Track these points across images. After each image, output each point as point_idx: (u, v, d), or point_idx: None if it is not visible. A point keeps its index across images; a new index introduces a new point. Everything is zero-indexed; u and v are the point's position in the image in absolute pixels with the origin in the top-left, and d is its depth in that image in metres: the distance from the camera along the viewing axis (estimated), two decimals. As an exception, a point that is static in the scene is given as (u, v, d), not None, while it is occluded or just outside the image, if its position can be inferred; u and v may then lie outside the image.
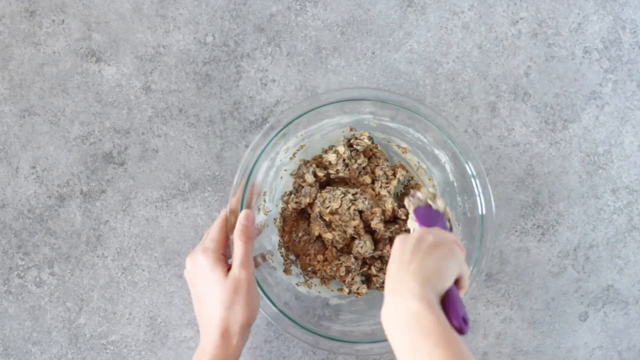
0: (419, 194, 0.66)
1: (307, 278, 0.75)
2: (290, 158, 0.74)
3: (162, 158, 0.77)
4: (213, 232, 0.64)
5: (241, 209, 0.65)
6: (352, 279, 0.73)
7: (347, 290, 0.74)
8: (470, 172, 0.69)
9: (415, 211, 0.65)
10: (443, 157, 0.71)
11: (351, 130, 0.74)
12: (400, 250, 0.56)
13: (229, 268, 0.62)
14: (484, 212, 0.68)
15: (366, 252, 0.73)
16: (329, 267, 0.73)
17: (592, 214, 0.79)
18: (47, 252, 0.76)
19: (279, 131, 0.66)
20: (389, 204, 0.73)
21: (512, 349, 0.79)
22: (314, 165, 0.74)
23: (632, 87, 0.79)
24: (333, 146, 0.75)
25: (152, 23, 0.77)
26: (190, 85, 0.77)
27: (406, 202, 0.66)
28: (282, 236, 0.75)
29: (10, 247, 0.76)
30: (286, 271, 0.75)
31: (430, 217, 0.64)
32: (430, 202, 0.65)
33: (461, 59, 0.78)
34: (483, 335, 0.79)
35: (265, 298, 0.66)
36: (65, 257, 0.77)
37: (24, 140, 0.76)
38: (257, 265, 0.68)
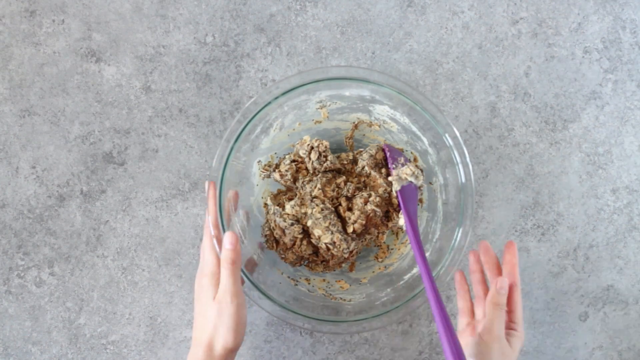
0: (406, 170, 0.70)
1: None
2: (317, 109, 0.72)
3: (162, 158, 0.77)
4: (207, 255, 0.64)
5: (221, 219, 0.64)
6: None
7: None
8: (448, 144, 0.67)
9: (400, 190, 0.69)
10: (426, 140, 0.70)
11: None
12: None
13: None
14: (463, 180, 0.67)
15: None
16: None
17: (592, 214, 0.79)
18: (47, 252, 0.76)
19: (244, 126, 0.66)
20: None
21: (512, 349, 0.79)
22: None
23: (632, 87, 0.79)
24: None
25: (152, 23, 0.77)
26: (190, 85, 0.77)
27: (393, 178, 0.69)
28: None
29: (10, 247, 0.76)
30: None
31: (410, 191, 0.69)
32: (413, 179, 0.69)
33: (461, 59, 0.78)
34: (483, 335, 0.79)
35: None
36: (65, 257, 0.77)
37: (24, 140, 0.76)
38: (252, 268, 0.68)
